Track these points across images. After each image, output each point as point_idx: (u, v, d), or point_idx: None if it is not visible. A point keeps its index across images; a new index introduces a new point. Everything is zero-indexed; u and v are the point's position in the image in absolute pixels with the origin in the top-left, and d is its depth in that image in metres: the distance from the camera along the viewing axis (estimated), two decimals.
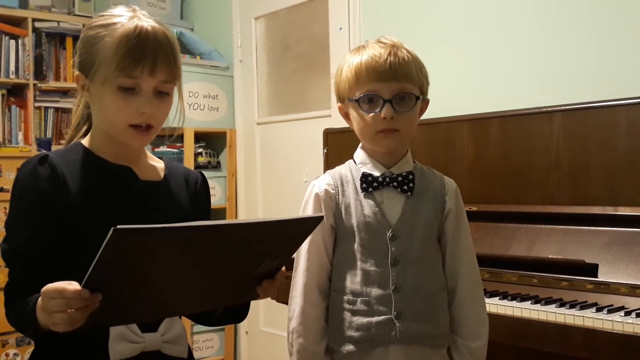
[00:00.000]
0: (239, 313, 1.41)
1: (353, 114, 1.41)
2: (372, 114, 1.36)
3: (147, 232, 0.95)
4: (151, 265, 1.02)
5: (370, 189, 1.39)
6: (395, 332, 1.34)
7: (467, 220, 1.47)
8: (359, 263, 1.38)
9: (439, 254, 1.43)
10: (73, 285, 1.00)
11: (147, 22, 1.25)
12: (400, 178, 1.39)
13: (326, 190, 1.41)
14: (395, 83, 1.35)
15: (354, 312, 1.37)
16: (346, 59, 1.43)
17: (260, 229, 1.11)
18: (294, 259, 1.43)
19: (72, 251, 1.22)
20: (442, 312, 1.40)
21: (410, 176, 1.40)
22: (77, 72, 1.29)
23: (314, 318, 1.41)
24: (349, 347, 1.37)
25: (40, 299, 1.06)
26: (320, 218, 1.23)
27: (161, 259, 1.01)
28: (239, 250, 1.11)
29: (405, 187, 1.39)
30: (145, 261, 1.00)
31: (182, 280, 1.09)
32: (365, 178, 1.40)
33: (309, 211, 1.42)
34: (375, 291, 1.36)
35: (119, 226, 0.90)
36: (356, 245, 1.38)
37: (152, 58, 1.22)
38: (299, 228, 1.21)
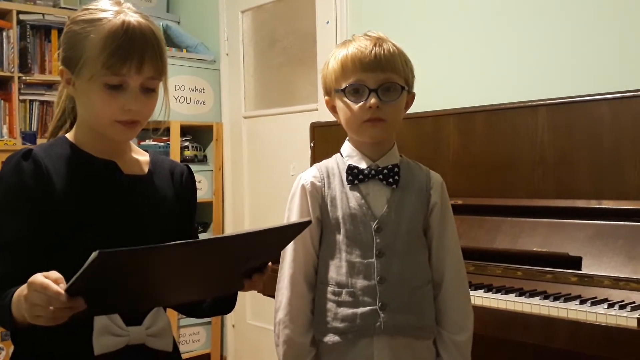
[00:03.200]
0: (227, 304, 1.41)
1: (340, 105, 1.41)
2: (358, 104, 1.37)
3: (131, 253, 0.95)
4: (135, 276, 1.02)
5: (356, 182, 1.40)
6: (379, 323, 1.35)
7: (453, 214, 1.48)
8: (344, 255, 1.39)
9: (424, 247, 1.44)
10: (57, 285, 0.99)
11: (133, 17, 1.23)
12: (385, 171, 1.41)
13: (312, 183, 1.42)
14: (381, 73, 1.36)
15: (339, 304, 1.38)
16: (333, 52, 1.44)
17: (247, 240, 1.11)
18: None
19: (57, 246, 1.21)
20: (427, 304, 1.41)
21: (396, 169, 1.41)
22: (61, 67, 1.28)
23: (301, 309, 1.41)
24: (334, 338, 1.38)
25: (25, 287, 1.04)
26: (308, 223, 1.22)
27: (145, 271, 1.02)
28: (225, 258, 1.11)
29: (391, 180, 1.40)
30: (129, 274, 1.00)
31: (166, 281, 1.09)
32: (351, 170, 1.41)
33: (295, 205, 1.43)
34: (360, 282, 1.37)
35: (102, 250, 0.89)
36: (342, 237, 1.39)
37: (139, 56, 1.21)
38: (287, 233, 1.21)
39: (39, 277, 1.01)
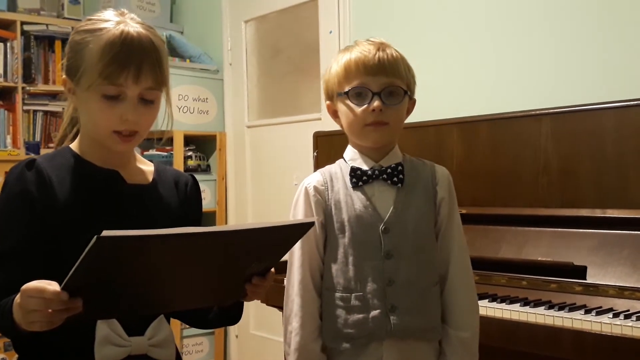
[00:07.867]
0: (233, 315, 1.39)
1: (342, 108, 1.41)
2: (361, 107, 1.37)
3: (130, 239, 0.94)
4: (135, 268, 1.01)
5: (360, 183, 1.39)
6: (389, 326, 1.34)
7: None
8: (351, 259, 1.37)
9: (433, 246, 1.42)
10: (53, 286, 1.00)
11: (133, 27, 1.23)
12: (389, 170, 1.40)
13: (315, 187, 1.42)
14: (384, 77, 1.37)
15: (349, 309, 1.36)
16: (336, 57, 1.44)
17: (250, 235, 1.10)
18: (285, 261, 1.42)
19: (59, 255, 1.20)
20: (434, 305, 1.40)
21: (400, 167, 1.40)
22: (64, 76, 1.29)
23: (312, 315, 1.40)
24: (346, 345, 1.36)
25: (18, 296, 1.04)
26: (312, 223, 1.21)
27: (145, 262, 1.01)
28: (227, 255, 1.10)
29: (395, 179, 1.39)
30: (129, 265, 0.99)
31: (166, 280, 1.08)
32: (355, 172, 1.40)
33: (299, 209, 1.42)
34: (369, 286, 1.36)
35: (102, 234, 0.88)
36: (347, 241, 1.38)
37: (136, 65, 1.21)
38: (291, 233, 1.20)
39: (32, 283, 1.02)
